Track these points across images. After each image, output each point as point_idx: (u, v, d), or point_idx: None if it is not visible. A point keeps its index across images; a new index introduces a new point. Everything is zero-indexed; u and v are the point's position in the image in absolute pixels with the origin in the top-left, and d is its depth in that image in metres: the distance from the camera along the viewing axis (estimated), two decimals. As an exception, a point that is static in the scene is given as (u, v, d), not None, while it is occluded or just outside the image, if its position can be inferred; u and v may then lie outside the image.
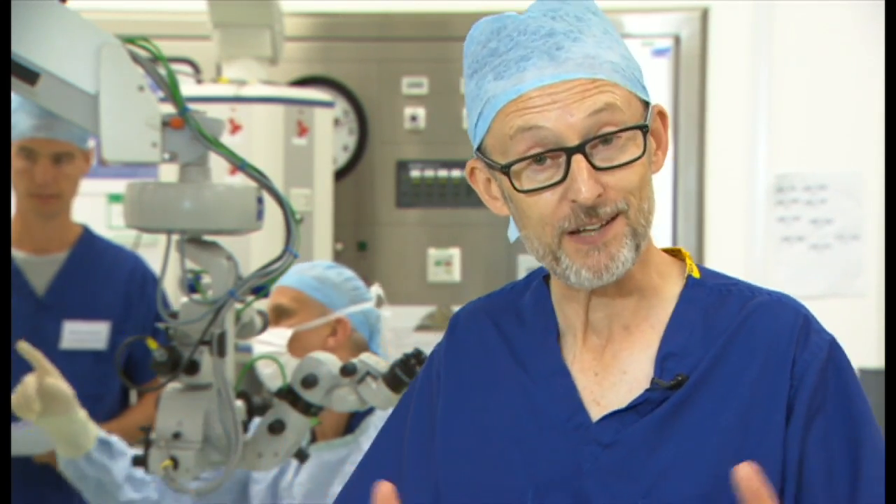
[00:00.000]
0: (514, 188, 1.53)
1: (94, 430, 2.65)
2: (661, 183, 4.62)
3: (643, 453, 1.52)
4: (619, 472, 1.53)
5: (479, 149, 1.58)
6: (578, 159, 1.49)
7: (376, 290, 2.89)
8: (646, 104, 1.56)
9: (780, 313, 1.56)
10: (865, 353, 4.39)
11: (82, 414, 2.63)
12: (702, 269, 1.64)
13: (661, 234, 4.59)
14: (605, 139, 1.51)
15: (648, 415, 1.53)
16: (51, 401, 2.59)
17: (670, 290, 1.61)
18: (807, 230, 4.53)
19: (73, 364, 3.31)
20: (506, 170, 1.52)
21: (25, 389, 2.60)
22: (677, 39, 4.60)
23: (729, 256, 4.54)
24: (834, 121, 4.50)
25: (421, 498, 1.64)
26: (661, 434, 1.52)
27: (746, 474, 1.35)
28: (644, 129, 1.53)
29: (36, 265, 3.40)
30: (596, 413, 1.56)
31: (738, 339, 1.56)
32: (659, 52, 4.61)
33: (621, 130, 1.51)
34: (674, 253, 1.66)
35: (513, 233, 1.63)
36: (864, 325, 4.44)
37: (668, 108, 4.58)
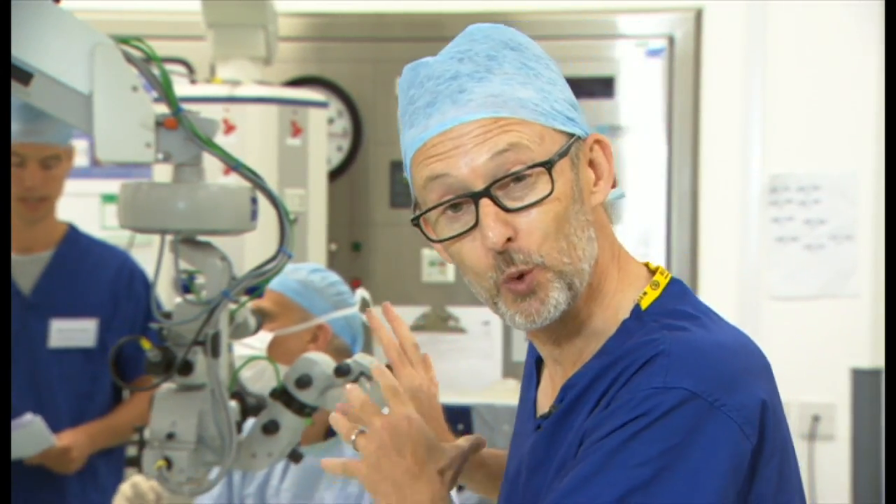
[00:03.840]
0: (429, 238, 1.52)
1: None
2: (656, 184, 4.64)
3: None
4: None
5: (414, 201, 1.56)
6: (485, 203, 1.45)
7: (361, 293, 2.83)
8: (569, 136, 1.50)
9: (642, 355, 1.45)
10: (858, 353, 4.40)
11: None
12: (661, 300, 1.53)
13: (655, 235, 4.59)
14: (518, 177, 1.46)
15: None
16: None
17: (612, 325, 1.53)
18: (801, 231, 4.53)
19: (62, 363, 3.30)
20: (416, 222, 1.52)
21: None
22: (671, 40, 4.60)
23: (723, 257, 4.55)
24: (828, 121, 4.50)
25: None
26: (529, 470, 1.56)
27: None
28: (548, 165, 1.46)
29: (21, 265, 3.40)
30: None
31: (607, 374, 1.48)
32: (653, 53, 4.61)
33: (524, 169, 1.46)
34: (651, 271, 1.57)
35: None
36: (857, 325, 4.45)
37: (662, 108, 4.61)
